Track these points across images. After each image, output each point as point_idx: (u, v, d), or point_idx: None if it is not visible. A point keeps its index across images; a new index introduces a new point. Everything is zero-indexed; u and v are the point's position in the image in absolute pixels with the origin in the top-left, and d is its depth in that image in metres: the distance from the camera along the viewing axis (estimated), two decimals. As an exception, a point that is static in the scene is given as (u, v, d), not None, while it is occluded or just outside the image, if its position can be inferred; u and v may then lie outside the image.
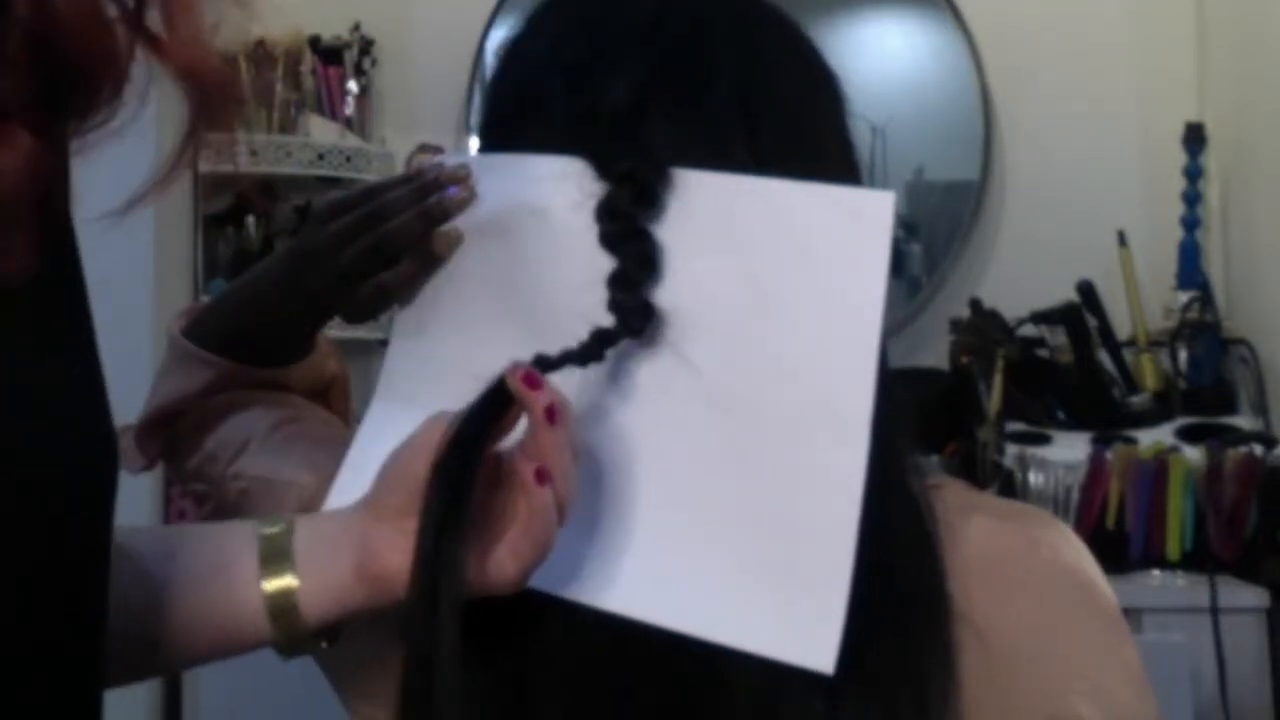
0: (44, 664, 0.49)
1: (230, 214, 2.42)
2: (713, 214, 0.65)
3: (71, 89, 0.45)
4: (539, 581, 0.65)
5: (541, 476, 0.60)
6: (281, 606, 0.66)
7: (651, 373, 0.66)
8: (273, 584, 0.66)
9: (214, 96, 0.50)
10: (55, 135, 0.45)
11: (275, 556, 0.66)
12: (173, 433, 0.87)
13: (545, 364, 0.62)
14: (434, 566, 0.59)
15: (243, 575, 0.66)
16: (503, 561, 0.62)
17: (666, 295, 0.66)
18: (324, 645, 0.69)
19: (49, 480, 0.49)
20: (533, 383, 0.60)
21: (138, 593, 0.66)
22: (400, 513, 0.63)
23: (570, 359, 0.63)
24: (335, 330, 0.87)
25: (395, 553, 0.63)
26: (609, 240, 0.65)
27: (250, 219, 2.41)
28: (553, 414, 0.60)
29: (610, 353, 0.65)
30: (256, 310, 0.83)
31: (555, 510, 0.61)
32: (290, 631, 0.66)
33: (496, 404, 0.61)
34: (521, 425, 0.62)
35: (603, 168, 0.66)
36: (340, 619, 0.67)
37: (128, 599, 0.58)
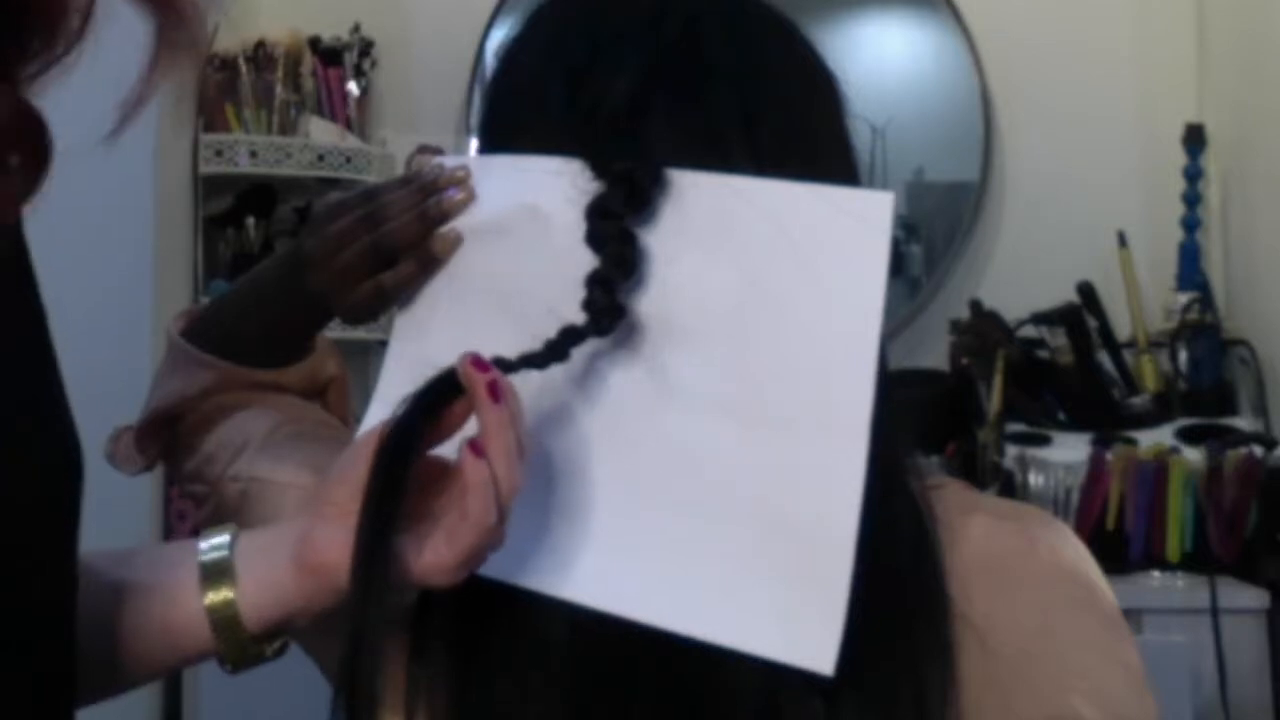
0: (17, 656, 0.50)
1: (230, 215, 2.42)
2: (711, 215, 0.65)
3: (31, 35, 0.46)
4: (537, 582, 0.65)
5: (476, 449, 0.59)
6: (222, 618, 0.66)
7: (649, 373, 0.66)
8: (212, 596, 0.67)
9: (175, 15, 0.50)
10: (21, 79, 0.46)
11: (215, 568, 0.67)
12: (172, 434, 0.87)
13: (504, 365, 0.62)
14: (369, 551, 0.60)
15: (185, 589, 0.67)
16: (439, 548, 0.62)
17: (661, 295, 0.66)
18: (269, 655, 0.69)
19: (14, 489, 0.49)
20: (480, 366, 0.60)
21: (95, 607, 0.66)
22: (344, 507, 0.63)
23: (532, 361, 0.63)
24: (334, 331, 0.87)
25: (335, 546, 0.63)
26: (594, 239, 0.65)
27: (250, 220, 2.41)
28: (495, 390, 0.60)
29: (609, 353, 0.65)
30: (256, 311, 0.83)
31: (492, 491, 0.60)
32: (234, 642, 0.67)
33: (441, 393, 0.61)
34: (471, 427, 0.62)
35: (599, 168, 0.66)
36: (283, 620, 0.67)
37: (86, 614, 0.59)
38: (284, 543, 0.66)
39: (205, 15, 0.52)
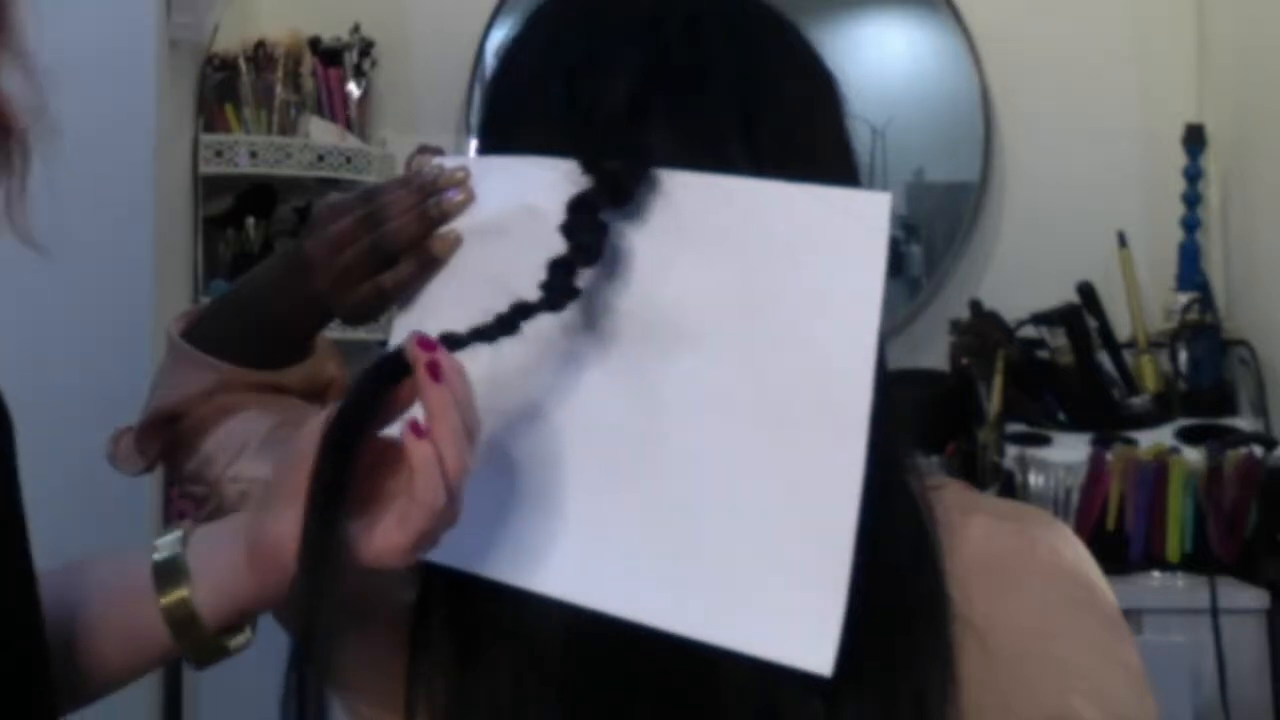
0: None
1: (230, 215, 2.42)
2: (706, 216, 0.65)
3: None
4: (534, 581, 0.65)
5: (416, 429, 0.59)
6: (179, 617, 0.67)
7: (645, 372, 0.66)
8: (167, 597, 0.67)
9: (7, 135, 0.56)
10: None
11: (167, 568, 0.67)
12: (172, 434, 0.87)
13: (454, 340, 0.62)
14: (316, 534, 0.59)
15: (142, 593, 0.67)
16: (391, 531, 0.61)
17: (655, 295, 0.66)
18: (233, 649, 0.69)
19: None
20: (425, 345, 0.60)
21: (55, 621, 0.66)
22: (295, 493, 0.62)
23: (481, 334, 0.63)
24: (334, 331, 0.87)
25: (286, 532, 0.62)
26: (567, 228, 0.65)
27: (250, 220, 2.41)
28: (434, 370, 0.59)
29: (605, 351, 0.65)
30: (256, 312, 0.83)
31: (438, 471, 0.59)
32: (194, 640, 0.67)
33: (389, 373, 0.61)
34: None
35: (591, 166, 0.66)
36: (241, 612, 0.67)
37: (47, 629, 0.59)
38: (236, 534, 0.66)
39: (30, 145, 0.56)
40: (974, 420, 2.27)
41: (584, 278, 0.64)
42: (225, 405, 0.84)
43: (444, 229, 0.71)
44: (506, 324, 0.63)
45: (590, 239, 0.64)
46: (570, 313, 0.65)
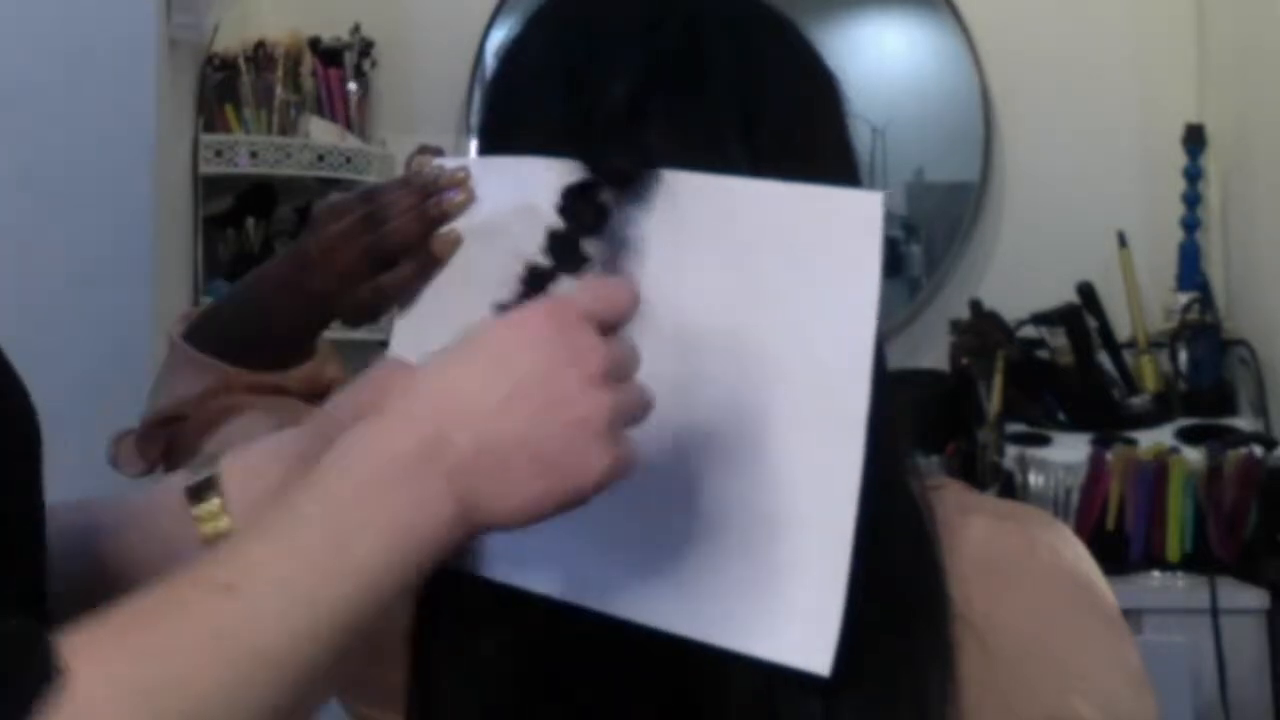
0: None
1: (230, 215, 2.42)
2: (705, 216, 0.65)
3: None
4: (534, 583, 0.65)
5: None
6: (213, 531, 0.67)
7: (645, 373, 0.66)
8: (207, 527, 0.67)
9: None
10: None
11: (202, 485, 0.67)
12: (173, 436, 0.87)
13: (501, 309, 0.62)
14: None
15: (175, 513, 0.67)
16: None
17: (653, 295, 0.66)
18: None
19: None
20: None
21: (86, 563, 0.66)
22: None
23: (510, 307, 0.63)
24: (334, 332, 0.87)
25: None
26: (564, 210, 0.65)
27: (250, 220, 2.41)
28: None
29: None
30: (256, 313, 0.83)
31: None
32: None
33: None
34: None
35: (593, 166, 0.66)
36: None
37: (80, 570, 0.59)
38: (278, 460, 0.66)
39: None
40: (974, 420, 2.27)
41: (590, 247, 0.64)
42: (226, 407, 0.84)
43: (444, 229, 0.71)
44: (529, 290, 0.63)
45: (591, 215, 0.65)
46: None
